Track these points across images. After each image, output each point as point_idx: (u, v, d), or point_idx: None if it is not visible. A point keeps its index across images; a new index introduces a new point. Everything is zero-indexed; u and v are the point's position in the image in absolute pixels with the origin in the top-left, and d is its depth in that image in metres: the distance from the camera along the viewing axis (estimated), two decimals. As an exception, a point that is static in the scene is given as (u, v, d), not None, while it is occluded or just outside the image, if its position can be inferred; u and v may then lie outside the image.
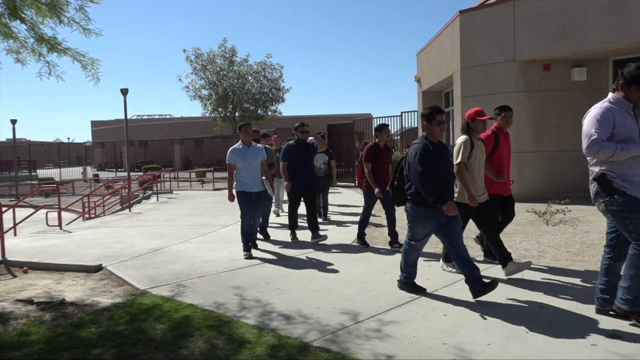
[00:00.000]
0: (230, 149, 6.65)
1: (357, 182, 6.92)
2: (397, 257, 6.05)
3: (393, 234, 6.74)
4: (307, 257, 6.26)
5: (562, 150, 10.75)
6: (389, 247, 6.71)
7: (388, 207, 6.71)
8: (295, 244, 7.16)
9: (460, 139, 4.88)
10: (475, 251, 5.92)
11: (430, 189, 4.18)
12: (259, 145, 6.88)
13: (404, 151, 22.60)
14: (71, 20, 5.71)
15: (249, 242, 6.55)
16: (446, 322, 3.82)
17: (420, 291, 4.60)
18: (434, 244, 6.43)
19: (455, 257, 4.38)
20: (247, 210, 6.55)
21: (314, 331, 3.73)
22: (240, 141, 6.70)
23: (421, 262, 5.75)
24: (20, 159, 36.72)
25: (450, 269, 5.34)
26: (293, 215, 7.42)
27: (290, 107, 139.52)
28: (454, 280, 4.97)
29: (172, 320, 4.06)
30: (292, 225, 7.45)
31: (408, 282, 4.67)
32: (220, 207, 12.67)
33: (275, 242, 7.39)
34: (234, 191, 6.65)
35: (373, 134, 6.54)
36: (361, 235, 6.93)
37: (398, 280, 4.78)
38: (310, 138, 7.51)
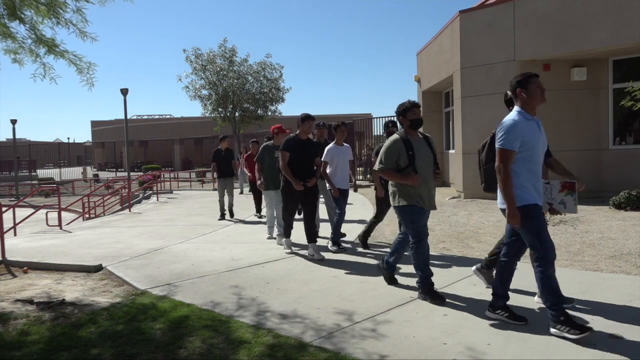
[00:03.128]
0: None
1: None
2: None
3: None
4: (307, 258, 6.25)
5: (562, 150, 10.74)
6: (385, 248, 6.67)
7: None
8: (295, 244, 7.12)
9: None
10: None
11: None
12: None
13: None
14: (68, 22, 5.70)
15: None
16: (446, 322, 3.82)
17: None
18: (433, 244, 6.42)
19: None
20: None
21: (313, 331, 3.73)
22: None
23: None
24: (20, 159, 36.71)
25: None
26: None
27: (290, 107, 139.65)
28: (454, 280, 4.96)
29: (172, 320, 4.06)
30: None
31: None
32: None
33: (274, 243, 7.37)
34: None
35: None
36: None
37: None
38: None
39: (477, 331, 3.62)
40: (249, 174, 11.11)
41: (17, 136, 31.85)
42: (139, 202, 16.94)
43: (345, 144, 6.90)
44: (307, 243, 6.18)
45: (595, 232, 7.05)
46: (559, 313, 3.42)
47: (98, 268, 6.09)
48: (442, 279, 5.04)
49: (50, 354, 3.50)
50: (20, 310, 4.51)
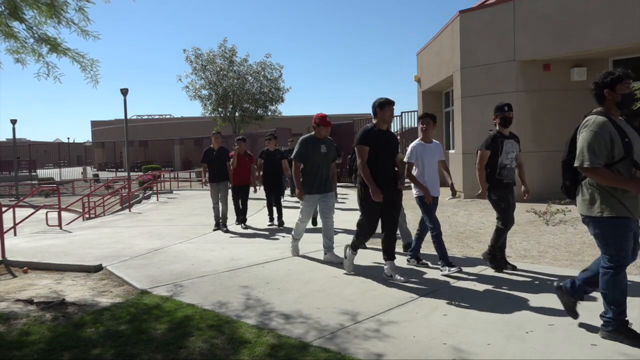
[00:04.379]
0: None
1: None
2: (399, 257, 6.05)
3: None
4: (307, 258, 6.26)
5: (562, 150, 10.77)
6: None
7: None
8: (294, 244, 7.09)
9: None
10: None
11: None
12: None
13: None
14: (70, 22, 5.71)
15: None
16: (446, 322, 3.82)
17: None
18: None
19: None
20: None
21: (313, 331, 3.73)
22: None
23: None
24: (20, 159, 36.71)
25: None
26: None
27: (290, 107, 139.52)
28: (454, 280, 4.97)
29: (172, 320, 4.06)
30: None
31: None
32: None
33: (274, 243, 7.38)
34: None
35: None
36: None
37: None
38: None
39: (477, 331, 3.63)
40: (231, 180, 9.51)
41: (17, 136, 31.88)
42: (139, 202, 16.94)
43: (434, 141, 5.61)
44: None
45: (595, 232, 7.04)
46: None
47: (98, 268, 6.09)
48: (442, 278, 5.05)
49: (50, 354, 3.50)
50: (21, 310, 4.51)
